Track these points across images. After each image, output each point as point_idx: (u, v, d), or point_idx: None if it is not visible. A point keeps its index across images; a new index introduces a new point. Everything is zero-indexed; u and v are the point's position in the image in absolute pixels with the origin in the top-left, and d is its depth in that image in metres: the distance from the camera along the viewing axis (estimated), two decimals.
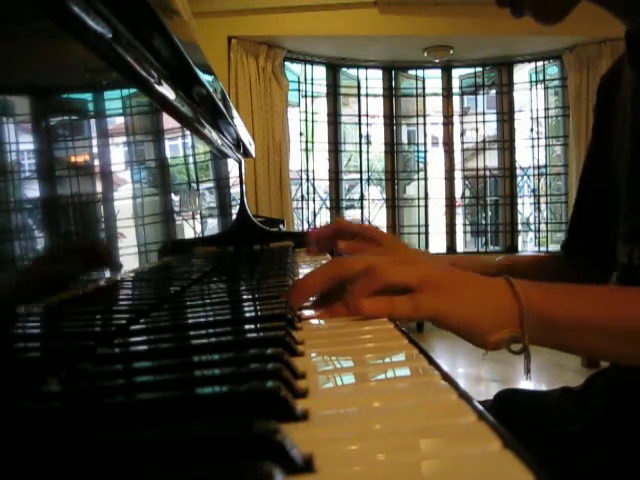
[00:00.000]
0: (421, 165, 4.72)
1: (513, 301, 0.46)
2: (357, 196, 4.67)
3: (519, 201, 4.67)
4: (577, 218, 0.85)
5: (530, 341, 0.46)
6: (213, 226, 1.11)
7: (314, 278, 0.50)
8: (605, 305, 0.48)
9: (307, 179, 4.45)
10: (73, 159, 0.45)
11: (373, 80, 4.63)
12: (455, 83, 4.69)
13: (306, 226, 4.41)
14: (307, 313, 0.52)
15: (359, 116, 4.62)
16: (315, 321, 0.49)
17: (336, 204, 4.59)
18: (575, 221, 0.86)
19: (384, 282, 0.47)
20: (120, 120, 0.59)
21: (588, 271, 0.81)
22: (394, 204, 4.67)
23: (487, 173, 4.69)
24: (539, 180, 4.61)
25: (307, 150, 4.45)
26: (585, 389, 0.74)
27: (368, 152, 4.70)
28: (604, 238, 0.75)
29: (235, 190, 1.41)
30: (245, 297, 0.70)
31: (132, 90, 0.62)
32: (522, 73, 4.64)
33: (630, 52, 0.67)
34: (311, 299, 0.54)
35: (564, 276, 0.82)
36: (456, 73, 4.68)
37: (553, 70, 4.57)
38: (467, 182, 4.75)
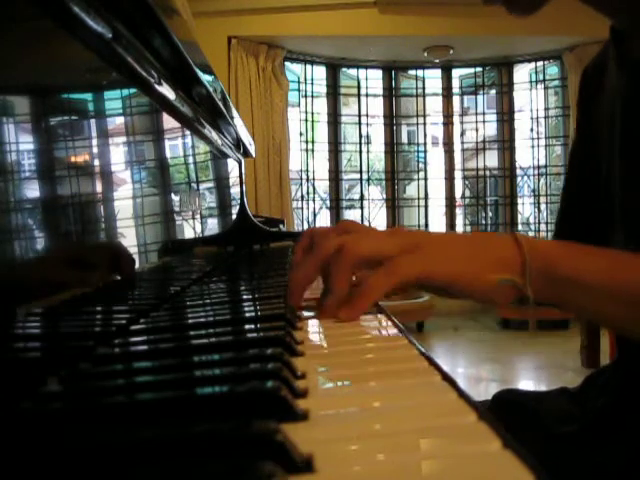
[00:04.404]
0: (421, 165, 4.72)
1: (516, 253, 0.45)
2: (357, 196, 4.67)
3: (519, 201, 4.67)
4: (564, 217, 0.83)
5: (536, 293, 0.45)
6: (213, 226, 1.11)
7: (303, 271, 0.50)
8: (613, 266, 0.47)
9: (307, 179, 4.45)
10: (73, 159, 0.45)
11: (373, 80, 4.63)
12: (455, 83, 4.69)
13: (306, 226, 4.41)
14: (307, 313, 0.52)
15: (359, 116, 4.62)
16: (315, 321, 0.49)
17: (336, 204, 4.59)
18: (562, 220, 0.83)
19: (357, 257, 0.46)
20: (120, 120, 0.59)
21: None
22: (394, 204, 4.67)
23: (487, 173, 4.69)
24: (539, 180, 4.61)
25: (307, 150, 4.44)
26: (583, 390, 0.74)
27: (368, 152, 4.70)
28: (592, 240, 0.73)
29: (235, 190, 1.41)
30: (245, 297, 0.70)
31: (132, 90, 0.62)
32: (522, 73, 4.64)
33: (617, 50, 0.65)
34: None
35: None
36: (456, 73, 4.68)
37: (553, 70, 4.57)
38: (467, 182, 4.75)
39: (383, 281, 0.45)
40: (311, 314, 0.51)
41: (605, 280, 0.46)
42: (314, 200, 4.51)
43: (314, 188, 4.51)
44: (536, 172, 4.60)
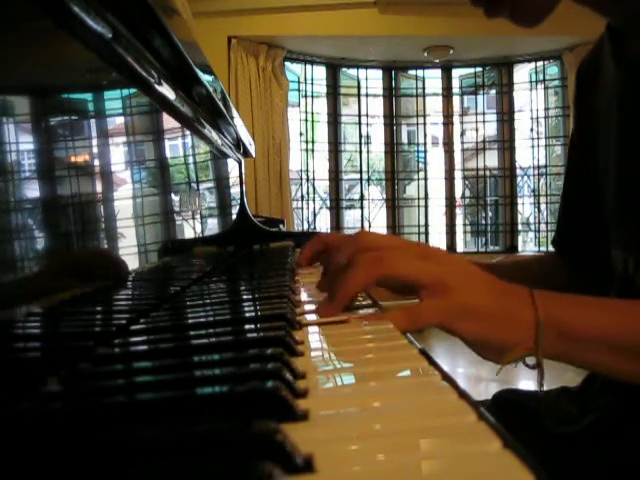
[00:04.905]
0: (421, 165, 4.72)
1: (531, 315, 0.44)
2: (357, 196, 4.67)
3: (519, 201, 4.66)
4: (564, 216, 0.83)
5: (547, 355, 0.45)
6: (213, 226, 1.11)
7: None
8: (626, 319, 0.46)
9: (307, 179, 4.45)
10: (73, 159, 0.45)
11: (373, 80, 4.63)
12: (455, 83, 4.69)
13: (306, 226, 4.41)
14: (308, 316, 0.52)
15: (359, 116, 4.62)
16: (315, 320, 0.49)
17: (336, 204, 4.59)
18: (563, 219, 0.84)
19: (389, 274, 0.45)
20: (120, 120, 0.59)
21: (579, 270, 0.79)
22: (394, 204, 4.67)
23: (487, 173, 4.69)
24: (539, 180, 4.61)
25: (307, 150, 4.44)
26: (583, 389, 0.74)
27: (368, 152, 4.70)
28: (593, 238, 0.73)
29: (235, 190, 1.41)
30: (245, 297, 0.70)
31: (132, 90, 0.62)
32: (522, 73, 4.64)
33: (614, 48, 0.65)
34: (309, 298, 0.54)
35: (552, 278, 0.81)
36: (456, 73, 4.68)
37: (553, 70, 4.57)
38: (467, 182, 4.75)
39: (403, 320, 0.45)
40: (312, 315, 0.51)
41: (619, 335, 0.45)
42: (314, 200, 4.51)
43: (314, 188, 4.51)
44: (536, 172, 4.60)
